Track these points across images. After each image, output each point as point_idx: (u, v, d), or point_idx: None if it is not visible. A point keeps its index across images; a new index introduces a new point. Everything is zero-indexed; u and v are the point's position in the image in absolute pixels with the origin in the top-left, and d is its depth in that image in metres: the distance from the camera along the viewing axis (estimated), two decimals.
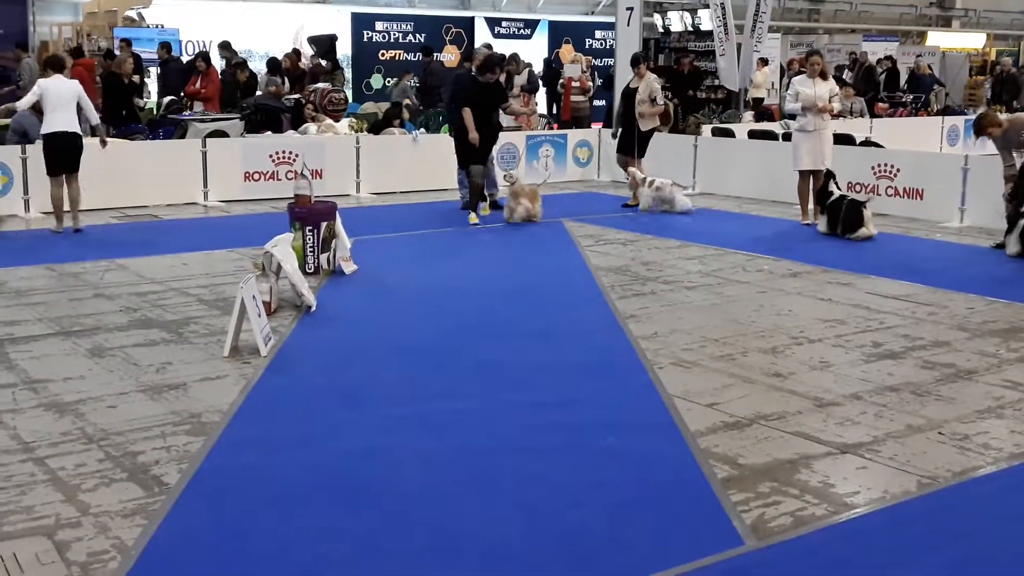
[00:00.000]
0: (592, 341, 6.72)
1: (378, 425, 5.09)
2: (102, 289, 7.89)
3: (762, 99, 18.99)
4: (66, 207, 10.20)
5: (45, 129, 10.04)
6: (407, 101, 16.23)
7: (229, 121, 14.08)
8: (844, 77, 20.02)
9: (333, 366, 6.09)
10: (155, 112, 15.80)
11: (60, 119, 9.94)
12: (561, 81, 18.66)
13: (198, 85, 15.22)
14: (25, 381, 5.64)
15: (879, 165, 12.24)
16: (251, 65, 17.09)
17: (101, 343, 6.41)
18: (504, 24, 24.07)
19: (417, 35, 22.45)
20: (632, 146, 12.60)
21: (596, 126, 17.49)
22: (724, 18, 17.09)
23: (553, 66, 20.60)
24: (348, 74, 20.51)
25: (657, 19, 19.31)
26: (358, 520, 4.04)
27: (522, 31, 24.36)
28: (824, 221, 10.71)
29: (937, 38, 29.10)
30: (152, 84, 17.43)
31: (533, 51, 22.75)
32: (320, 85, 16.32)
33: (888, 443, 4.88)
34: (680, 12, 18.78)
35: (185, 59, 17.22)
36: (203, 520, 4.03)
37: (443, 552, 3.79)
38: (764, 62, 18.34)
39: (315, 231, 8.28)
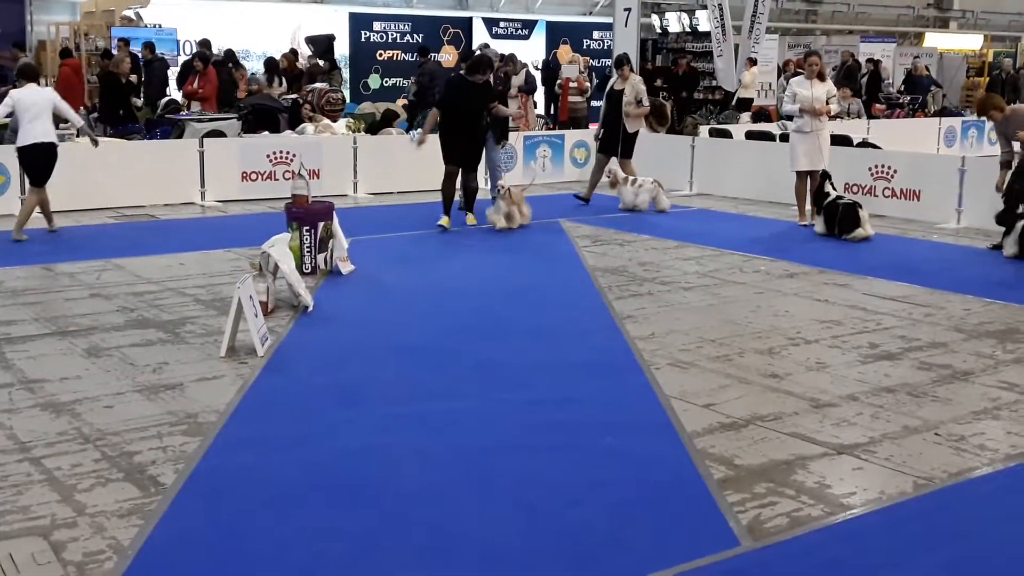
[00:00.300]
0: (590, 341, 6.73)
1: (376, 424, 5.09)
2: (99, 289, 7.88)
3: (751, 100, 18.96)
4: (37, 211, 10.05)
5: (21, 141, 9.70)
6: (403, 101, 16.21)
7: (226, 121, 14.07)
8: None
9: (330, 366, 6.09)
10: (149, 111, 15.77)
11: (37, 129, 9.65)
12: (559, 82, 18.66)
13: (195, 85, 15.20)
14: (21, 381, 5.63)
15: (876, 166, 12.24)
16: (248, 65, 17.07)
17: (97, 343, 6.40)
18: (502, 24, 24.09)
19: (415, 35, 22.46)
20: (614, 147, 12.64)
21: (593, 127, 17.45)
22: (722, 19, 17.10)
23: (551, 67, 20.60)
24: (346, 74, 20.49)
25: (655, 20, 19.30)
26: (356, 520, 4.04)
27: (520, 31, 24.38)
28: (821, 222, 10.73)
29: (935, 39, 29.12)
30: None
31: (531, 51, 22.77)
32: (318, 85, 16.32)
33: (884, 444, 4.88)
34: (678, 13, 18.77)
35: (182, 59, 17.21)
36: (200, 520, 4.03)
37: (441, 551, 3.79)
38: (752, 62, 18.30)
39: (312, 231, 8.28)
